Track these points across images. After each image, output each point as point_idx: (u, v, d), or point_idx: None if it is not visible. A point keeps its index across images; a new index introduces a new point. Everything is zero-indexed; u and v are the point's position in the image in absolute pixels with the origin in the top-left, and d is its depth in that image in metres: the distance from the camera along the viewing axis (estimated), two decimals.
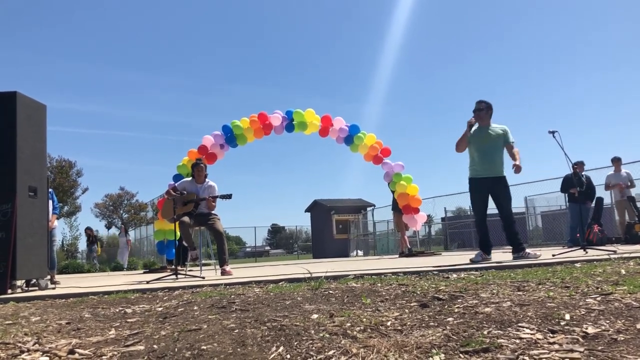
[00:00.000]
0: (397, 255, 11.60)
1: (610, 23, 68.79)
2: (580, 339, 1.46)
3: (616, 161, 10.11)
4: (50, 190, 7.16)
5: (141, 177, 71.20)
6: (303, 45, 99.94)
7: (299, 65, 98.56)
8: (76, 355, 1.62)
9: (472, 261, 5.24)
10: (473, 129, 5.61)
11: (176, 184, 6.37)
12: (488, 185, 5.51)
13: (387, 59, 74.39)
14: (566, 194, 10.28)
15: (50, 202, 7.19)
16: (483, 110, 5.64)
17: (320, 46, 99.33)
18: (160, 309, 2.72)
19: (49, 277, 5.75)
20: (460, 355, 1.36)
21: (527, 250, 5.32)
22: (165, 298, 3.34)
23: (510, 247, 5.43)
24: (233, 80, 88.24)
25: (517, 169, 5.36)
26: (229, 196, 6.07)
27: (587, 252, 5.55)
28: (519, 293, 2.45)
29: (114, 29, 66.16)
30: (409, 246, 11.14)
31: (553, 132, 6.00)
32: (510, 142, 5.56)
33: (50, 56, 55.91)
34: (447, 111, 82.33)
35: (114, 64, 65.21)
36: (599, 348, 1.36)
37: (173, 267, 7.01)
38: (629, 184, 9.96)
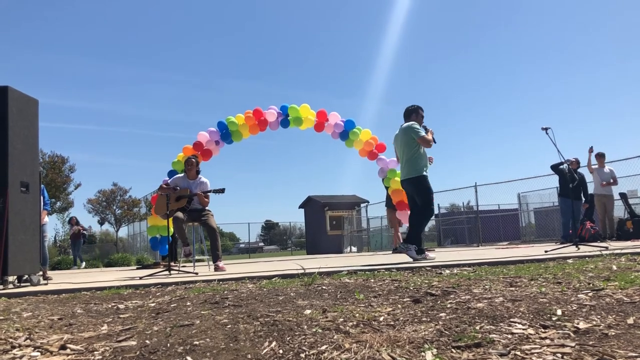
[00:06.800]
0: (391, 251, 11.63)
1: (610, 17, 69.11)
2: (572, 334, 1.46)
3: (600, 157, 10.14)
4: (41, 186, 7.11)
5: (134, 173, 70.98)
6: (298, 40, 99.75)
7: (294, 60, 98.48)
8: (68, 351, 1.61)
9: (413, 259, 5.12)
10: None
11: (168, 180, 6.35)
12: None
13: (384, 54, 74.41)
14: (557, 188, 10.33)
15: (41, 198, 7.13)
16: None
17: (315, 41, 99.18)
18: (153, 304, 2.71)
19: (41, 272, 5.72)
20: (453, 350, 1.37)
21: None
22: (158, 294, 3.33)
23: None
24: (228, 75, 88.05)
25: None
26: (222, 190, 6.05)
27: (579, 248, 5.59)
28: (511, 289, 2.46)
29: (107, 23, 65.70)
30: None
31: (546, 129, 6.03)
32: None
33: (43, 51, 55.42)
34: (443, 107, 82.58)
35: (108, 59, 64.73)
36: (590, 343, 1.36)
37: (166, 263, 6.99)
38: (612, 181, 10.00)
